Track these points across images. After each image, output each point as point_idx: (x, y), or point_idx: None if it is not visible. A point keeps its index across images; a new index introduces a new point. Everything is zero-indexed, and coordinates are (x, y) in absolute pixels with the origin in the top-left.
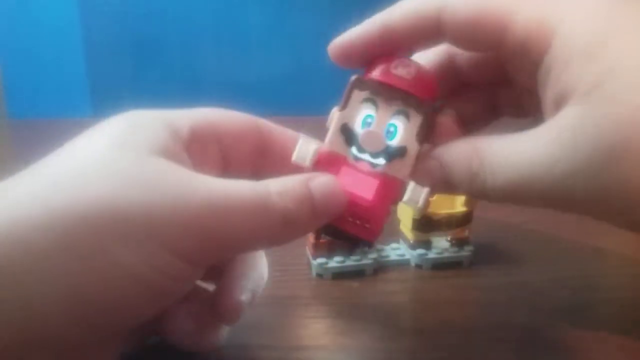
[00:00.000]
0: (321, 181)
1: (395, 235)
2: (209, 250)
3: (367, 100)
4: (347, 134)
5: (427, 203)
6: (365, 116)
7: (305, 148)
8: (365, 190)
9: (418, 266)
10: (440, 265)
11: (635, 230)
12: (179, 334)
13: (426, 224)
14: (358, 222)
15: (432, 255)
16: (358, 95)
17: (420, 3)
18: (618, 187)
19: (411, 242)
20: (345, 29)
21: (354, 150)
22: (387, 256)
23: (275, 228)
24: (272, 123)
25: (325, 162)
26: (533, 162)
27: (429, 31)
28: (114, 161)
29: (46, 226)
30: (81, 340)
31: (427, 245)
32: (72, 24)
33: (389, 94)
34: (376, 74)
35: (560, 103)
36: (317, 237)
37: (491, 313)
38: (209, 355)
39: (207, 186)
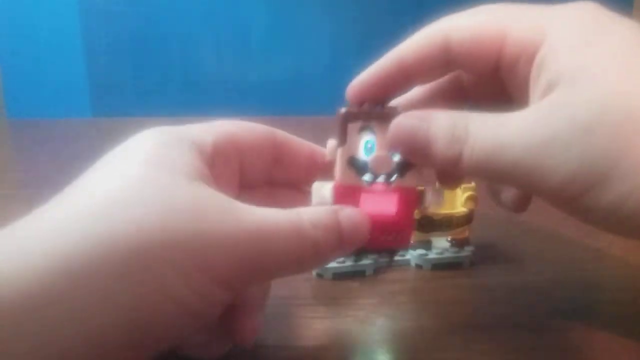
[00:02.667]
0: (349, 213)
1: None
2: (248, 278)
3: (363, 128)
4: (356, 166)
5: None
6: (365, 142)
7: (321, 191)
8: (389, 207)
9: (418, 266)
10: (441, 266)
11: (589, 219)
12: (189, 346)
13: (426, 224)
14: (390, 237)
15: (432, 255)
16: (353, 127)
17: (429, 32)
18: (590, 161)
19: (411, 242)
20: (344, 29)
21: (367, 177)
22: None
23: (306, 255)
24: (287, 133)
25: (344, 195)
26: (512, 132)
27: (439, 58)
28: (154, 185)
29: (99, 259)
30: None
31: (427, 245)
32: (72, 24)
33: (381, 115)
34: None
35: (547, 91)
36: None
37: (491, 313)
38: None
39: (248, 216)
